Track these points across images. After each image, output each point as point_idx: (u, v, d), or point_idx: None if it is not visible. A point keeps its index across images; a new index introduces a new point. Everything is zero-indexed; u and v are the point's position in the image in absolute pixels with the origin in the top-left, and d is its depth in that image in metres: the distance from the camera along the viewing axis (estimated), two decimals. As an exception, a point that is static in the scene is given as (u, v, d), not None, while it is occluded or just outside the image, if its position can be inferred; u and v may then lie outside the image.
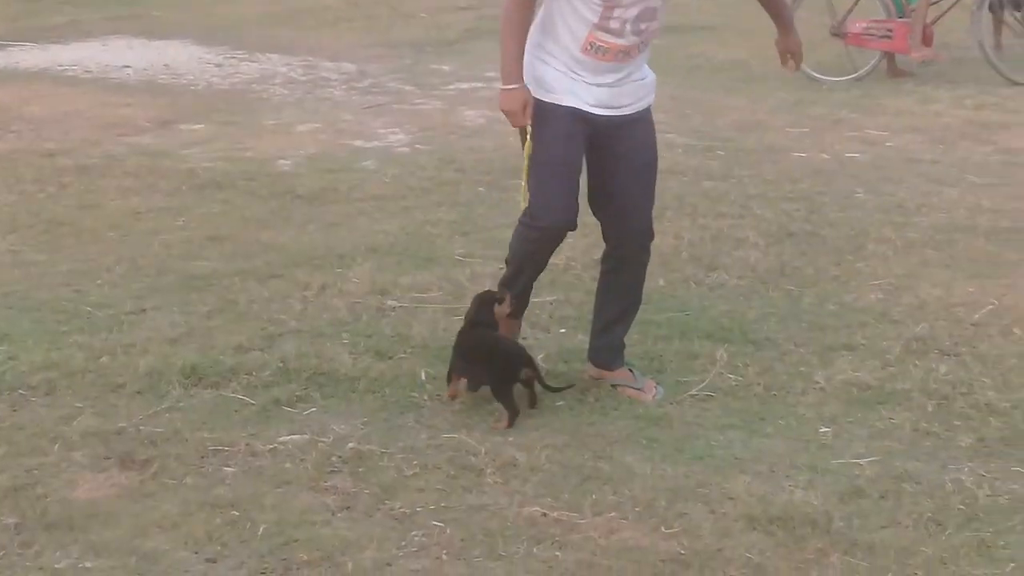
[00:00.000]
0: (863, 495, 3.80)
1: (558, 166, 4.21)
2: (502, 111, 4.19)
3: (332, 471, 3.94)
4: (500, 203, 6.98)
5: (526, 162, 4.23)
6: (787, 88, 10.56)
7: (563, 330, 5.12)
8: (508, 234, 6.30)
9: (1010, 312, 5.31)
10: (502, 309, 4.48)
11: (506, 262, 4.66)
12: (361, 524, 3.62)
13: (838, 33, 11.01)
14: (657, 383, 4.55)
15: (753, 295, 5.55)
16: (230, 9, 14.77)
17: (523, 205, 4.30)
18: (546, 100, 4.20)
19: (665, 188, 7.19)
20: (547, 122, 4.19)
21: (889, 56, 11.07)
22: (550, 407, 4.41)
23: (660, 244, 6.14)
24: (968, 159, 8.13)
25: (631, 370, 4.60)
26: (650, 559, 3.44)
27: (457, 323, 5.08)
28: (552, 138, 4.19)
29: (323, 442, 4.11)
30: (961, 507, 3.72)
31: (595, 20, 4.08)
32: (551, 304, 5.38)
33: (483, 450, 4.04)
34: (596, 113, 4.23)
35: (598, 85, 4.22)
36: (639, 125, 4.35)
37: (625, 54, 4.17)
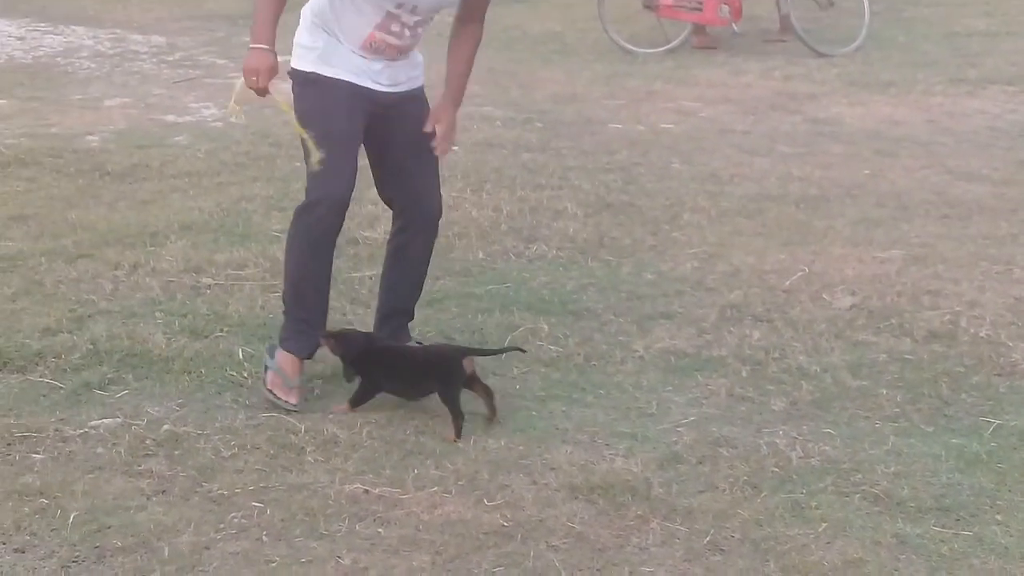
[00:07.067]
0: (681, 461, 3.85)
1: (337, 138, 4.12)
2: (245, 69, 4.07)
3: (147, 455, 3.82)
4: (317, 177, 6.87)
5: (297, 127, 4.13)
6: (602, 61, 10.67)
7: (383, 305, 5.06)
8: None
9: (819, 278, 5.45)
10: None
11: (283, 293, 4.42)
12: (177, 508, 3.52)
13: (650, 6, 11.16)
14: None
15: (572, 266, 5.59)
16: (32, -20, 14.26)
17: (313, 153, 4.11)
18: (327, 75, 4.14)
19: (484, 161, 7.20)
20: (327, 94, 4.13)
21: (699, 27, 11.27)
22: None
23: (479, 217, 6.16)
24: (778, 129, 8.33)
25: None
26: (473, 532, 3.43)
27: (275, 299, 5.01)
28: (333, 111, 4.12)
29: (137, 425, 3.99)
30: (775, 469, 3.80)
31: (378, 20, 4.07)
32: (371, 279, 5.32)
33: (303, 428, 3.97)
34: (377, 89, 4.18)
35: (377, 63, 4.17)
36: (416, 103, 4.32)
37: (400, 52, 4.19)
